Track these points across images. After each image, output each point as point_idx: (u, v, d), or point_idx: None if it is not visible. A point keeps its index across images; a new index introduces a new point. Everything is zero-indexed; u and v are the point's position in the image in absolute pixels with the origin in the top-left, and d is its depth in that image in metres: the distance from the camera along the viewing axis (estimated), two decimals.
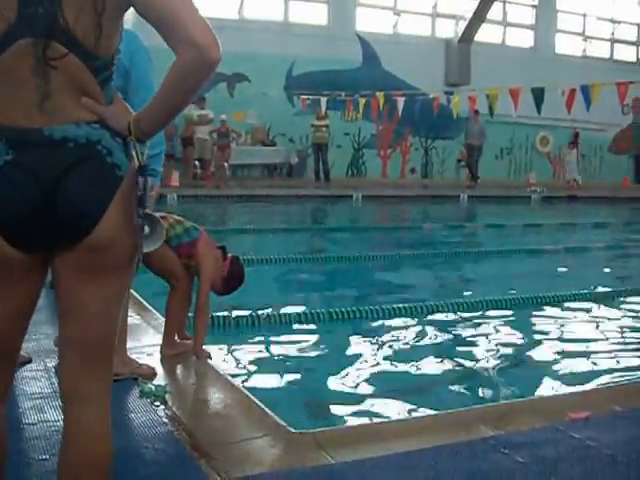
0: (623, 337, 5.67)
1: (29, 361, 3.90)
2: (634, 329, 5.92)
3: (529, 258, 9.85)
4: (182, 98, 1.73)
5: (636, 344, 5.50)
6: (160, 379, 3.74)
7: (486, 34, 24.73)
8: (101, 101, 1.77)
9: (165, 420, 3.20)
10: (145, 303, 5.20)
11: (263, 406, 3.36)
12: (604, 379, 4.55)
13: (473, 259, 9.53)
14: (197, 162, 19.02)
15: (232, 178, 19.17)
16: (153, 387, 3.54)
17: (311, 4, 22.88)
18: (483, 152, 22.04)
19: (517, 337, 5.55)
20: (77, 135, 1.71)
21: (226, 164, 18.83)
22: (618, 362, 5.03)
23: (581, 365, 4.91)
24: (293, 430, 3.12)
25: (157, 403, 3.39)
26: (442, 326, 5.75)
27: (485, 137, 21.76)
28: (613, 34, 28.74)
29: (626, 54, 28.95)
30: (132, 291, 4.82)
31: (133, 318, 4.86)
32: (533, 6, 26.48)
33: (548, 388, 4.34)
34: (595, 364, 4.94)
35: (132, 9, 1.72)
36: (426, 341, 5.33)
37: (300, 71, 21.93)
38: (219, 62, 1.64)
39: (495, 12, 24.70)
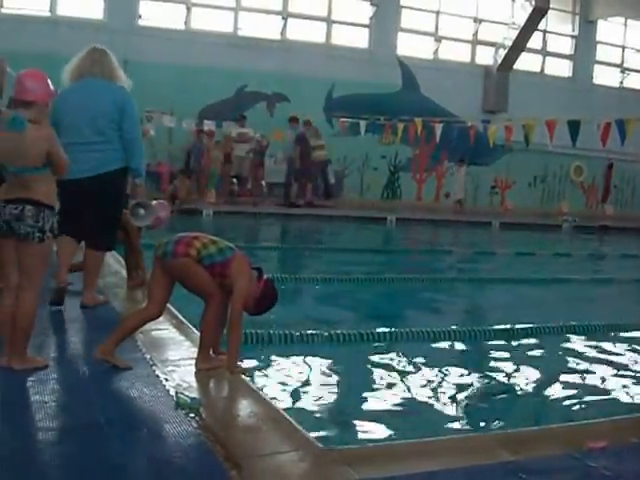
0: None
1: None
2: None
3: (556, 287, 9.83)
4: None
5: None
6: (195, 392, 3.83)
7: (525, 62, 24.76)
8: None
9: (199, 431, 3.29)
10: (181, 317, 5.31)
11: (293, 421, 3.46)
12: (622, 410, 4.51)
13: (500, 286, 9.58)
14: (235, 179, 19.26)
15: (268, 196, 19.39)
16: (189, 399, 3.63)
17: (353, 27, 23.10)
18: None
19: (541, 365, 5.57)
20: None
21: (264, 182, 19.07)
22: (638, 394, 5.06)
23: (601, 396, 4.95)
24: (321, 446, 3.21)
25: (192, 415, 3.48)
26: (469, 351, 5.86)
27: None
28: None
29: None
30: (169, 305, 4.99)
31: (169, 331, 5.04)
32: (573, 36, 26.51)
33: (567, 417, 4.37)
34: (614, 395, 4.97)
35: None
36: (453, 365, 5.35)
37: (340, 93, 22.05)
38: None
39: (535, 41, 24.78)
